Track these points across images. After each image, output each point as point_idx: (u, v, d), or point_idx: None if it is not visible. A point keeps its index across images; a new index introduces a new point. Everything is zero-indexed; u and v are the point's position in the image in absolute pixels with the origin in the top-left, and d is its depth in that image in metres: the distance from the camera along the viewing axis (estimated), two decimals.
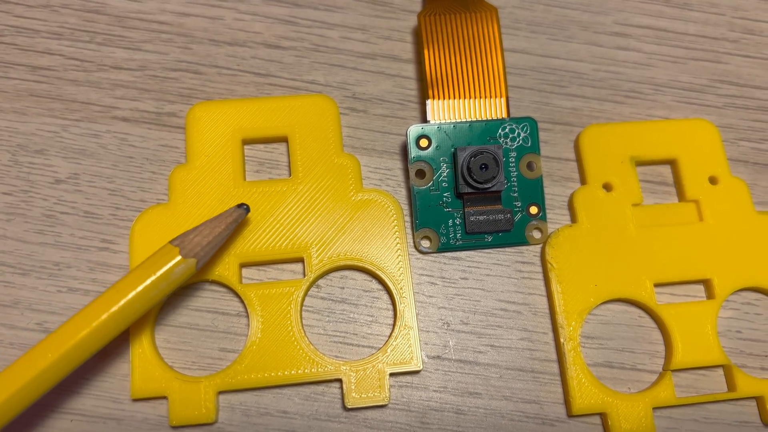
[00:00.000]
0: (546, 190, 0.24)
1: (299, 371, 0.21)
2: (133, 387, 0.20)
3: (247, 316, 0.21)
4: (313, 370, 0.21)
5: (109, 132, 0.23)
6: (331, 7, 0.25)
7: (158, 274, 0.19)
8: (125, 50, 0.24)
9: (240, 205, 0.21)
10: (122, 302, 0.19)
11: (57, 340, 0.18)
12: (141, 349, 0.21)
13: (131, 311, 0.19)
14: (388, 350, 0.21)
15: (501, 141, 0.23)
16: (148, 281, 0.19)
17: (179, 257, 0.19)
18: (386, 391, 0.21)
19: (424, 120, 0.23)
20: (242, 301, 0.22)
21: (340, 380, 0.21)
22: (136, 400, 0.21)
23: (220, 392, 0.21)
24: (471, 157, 0.22)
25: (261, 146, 0.24)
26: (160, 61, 0.24)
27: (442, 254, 0.23)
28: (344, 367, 0.21)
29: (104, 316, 0.19)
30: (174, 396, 0.20)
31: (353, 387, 0.21)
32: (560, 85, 0.25)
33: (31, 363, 0.18)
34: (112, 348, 0.21)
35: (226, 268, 0.22)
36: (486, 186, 0.22)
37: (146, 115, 0.24)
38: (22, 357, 0.18)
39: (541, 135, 0.24)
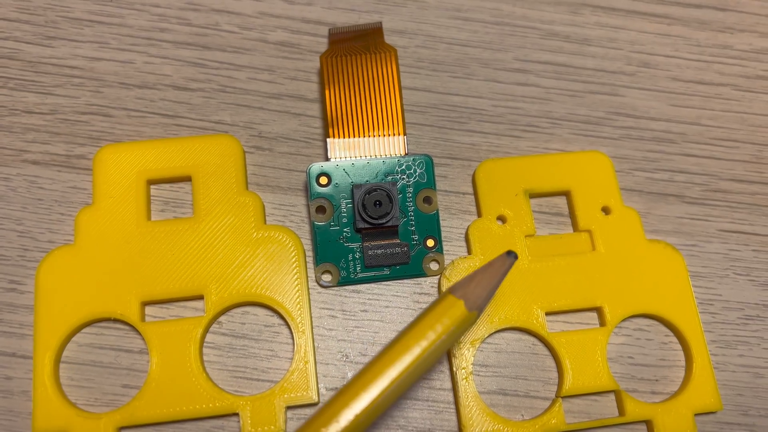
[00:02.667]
0: (444, 223, 0.25)
1: (197, 406, 0.21)
2: (35, 425, 0.21)
3: (149, 353, 0.22)
4: (210, 405, 0.21)
5: (19, 175, 0.24)
6: (239, 49, 0.26)
7: (448, 330, 0.19)
8: (37, 95, 0.25)
9: (509, 253, 0.20)
10: (414, 358, 0.18)
11: (353, 398, 0.18)
12: (43, 388, 0.21)
13: (422, 366, 0.18)
14: (285, 384, 0.22)
15: (398, 177, 0.24)
16: (442, 338, 0.19)
17: (465, 311, 0.19)
18: (282, 423, 0.21)
19: (326, 158, 0.24)
20: (144, 339, 0.22)
21: (238, 414, 0.22)
22: None
23: (121, 428, 0.21)
24: (366, 194, 0.23)
25: (167, 186, 0.24)
26: (71, 104, 0.25)
27: (343, 288, 0.24)
28: (241, 402, 0.21)
29: (395, 372, 0.18)
30: None
31: (249, 421, 0.21)
32: (460, 121, 0.26)
33: (332, 418, 0.17)
34: (16, 386, 0.22)
35: (127, 307, 0.22)
36: (381, 221, 0.23)
37: (56, 157, 0.24)
38: (317, 415, 0.18)
39: (440, 170, 0.25)
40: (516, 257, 0.20)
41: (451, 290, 0.19)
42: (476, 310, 0.19)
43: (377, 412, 0.18)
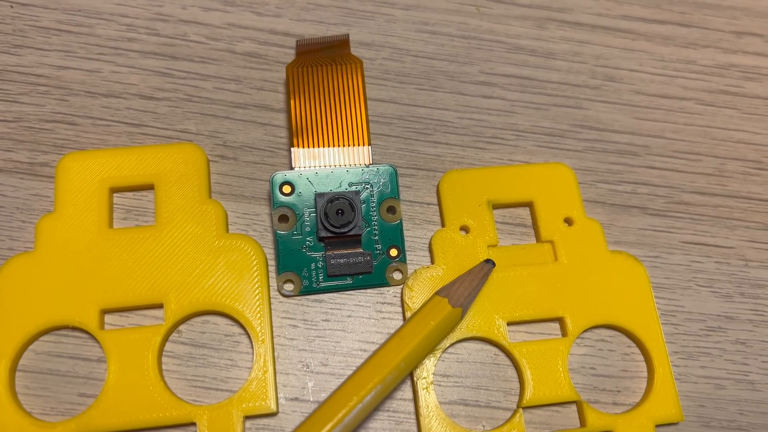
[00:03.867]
0: (408, 233, 0.25)
1: (154, 415, 0.21)
2: None
3: (107, 362, 0.22)
4: (167, 414, 0.21)
5: None
6: (206, 60, 0.26)
7: (434, 324, 0.21)
8: (1, 102, 0.25)
9: (487, 261, 0.23)
10: (406, 352, 0.21)
11: (353, 386, 0.20)
12: None
13: (413, 360, 0.21)
14: (244, 393, 0.22)
15: (362, 187, 0.24)
16: (428, 330, 0.21)
17: (450, 307, 0.21)
18: None
19: (291, 167, 0.24)
20: (102, 347, 0.22)
21: (195, 424, 0.21)
22: None
23: None
24: (328, 203, 0.23)
25: (130, 194, 0.24)
26: (36, 112, 0.25)
27: (305, 297, 0.24)
28: (199, 411, 0.21)
29: (392, 365, 0.20)
30: None
31: (206, 430, 0.21)
32: (425, 132, 0.26)
33: (325, 417, 0.20)
34: None
35: (86, 315, 0.22)
36: (343, 230, 0.23)
37: (19, 165, 0.24)
38: (309, 418, 0.20)
39: (405, 180, 0.25)
40: (494, 264, 0.23)
41: (437, 292, 0.22)
42: (460, 306, 0.22)
43: (372, 406, 0.20)
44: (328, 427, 0.19)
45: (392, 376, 0.20)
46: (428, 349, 0.21)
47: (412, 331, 0.21)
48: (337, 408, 0.19)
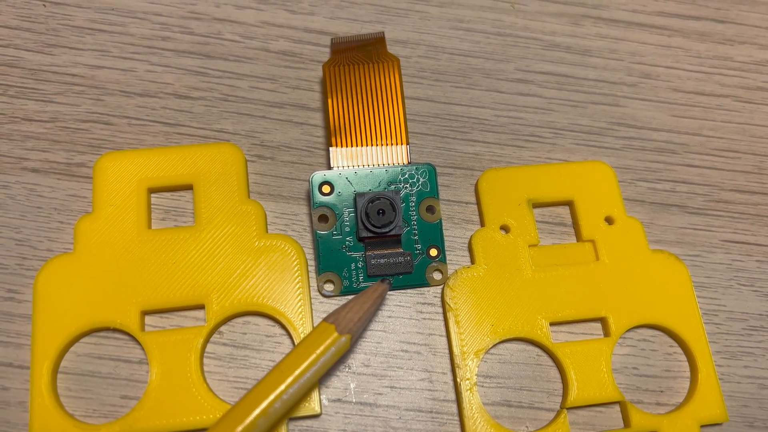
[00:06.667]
0: (447, 233, 0.24)
1: (197, 417, 0.21)
2: None
3: (149, 364, 0.22)
4: (211, 416, 0.21)
5: (18, 183, 0.24)
6: (241, 58, 0.26)
7: (317, 351, 0.20)
8: (37, 102, 0.25)
9: (383, 280, 0.22)
10: (289, 380, 0.19)
11: (233, 417, 0.19)
12: (41, 399, 0.21)
13: (298, 390, 0.20)
14: None
15: (401, 186, 0.24)
16: (310, 359, 0.20)
17: (335, 334, 0.20)
18: None
19: (329, 167, 0.24)
20: (143, 349, 0.22)
21: None
22: None
23: None
24: (369, 203, 0.23)
25: (168, 194, 0.24)
26: (71, 112, 0.25)
27: (346, 297, 0.23)
28: None
29: (272, 397, 0.19)
30: None
31: None
32: (462, 131, 0.26)
33: None
34: (13, 397, 0.21)
35: (127, 316, 0.22)
36: (384, 230, 0.23)
37: (56, 165, 0.24)
38: None
39: (443, 179, 0.25)
40: (390, 283, 0.22)
41: (325, 318, 0.21)
42: (348, 332, 0.20)
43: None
44: None
45: (265, 418, 0.19)
46: (313, 379, 0.20)
47: (294, 362, 0.20)
48: None
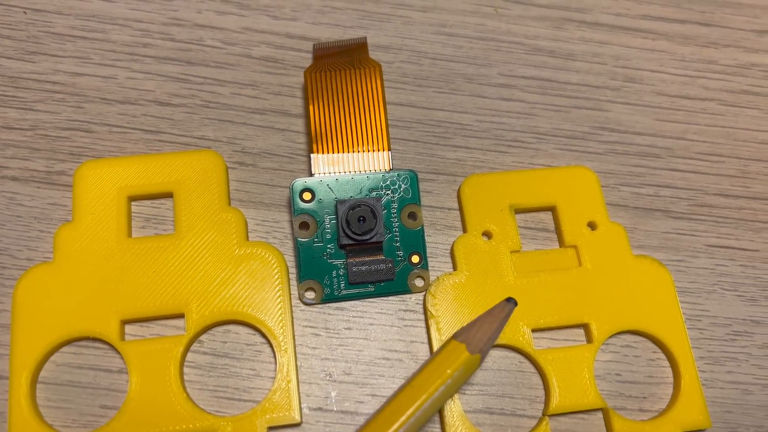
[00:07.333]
0: (429, 239, 0.24)
1: (177, 427, 0.21)
2: None
3: (128, 373, 0.22)
4: (190, 425, 0.21)
5: None
6: (222, 65, 0.26)
7: (448, 371, 0.20)
8: (17, 110, 0.25)
9: (509, 300, 0.21)
10: (422, 398, 0.20)
11: None
12: (20, 409, 0.21)
13: (430, 409, 0.20)
14: (267, 404, 0.21)
15: (383, 193, 0.23)
16: (443, 378, 0.20)
17: (467, 353, 0.20)
18: None
19: (311, 173, 0.24)
20: (123, 358, 0.22)
21: None
22: None
23: None
24: (349, 210, 0.23)
25: (148, 202, 0.24)
26: (51, 120, 0.25)
27: (327, 305, 0.23)
28: (222, 422, 0.21)
29: (406, 414, 0.19)
30: None
31: None
32: (445, 136, 0.26)
33: None
34: None
35: (107, 326, 0.22)
36: (365, 237, 0.23)
37: (36, 174, 0.24)
38: None
39: (425, 185, 0.25)
40: (515, 303, 0.21)
41: (454, 336, 0.21)
42: (478, 352, 0.20)
43: None
44: None
45: (406, 427, 0.19)
46: (444, 398, 0.20)
47: (427, 380, 0.20)
48: None
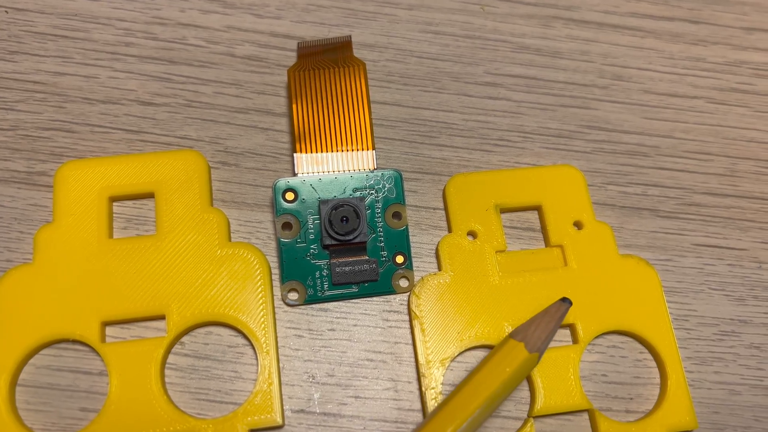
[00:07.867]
0: (414, 239, 0.24)
1: (158, 430, 0.21)
2: None
3: (109, 375, 0.21)
4: (171, 428, 0.21)
5: None
6: (205, 63, 0.26)
7: (508, 369, 0.20)
8: None
9: (564, 300, 0.22)
10: (484, 396, 0.20)
11: None
12: None
13: (489, 408, 0.20)
14: (248, 406, 0.21)
15: (367, 193, 0.23)
16: (503, 377, 0.20)
17: (526, 353, 0.20)
18: None
19: (294, 173, 0.23)
20: (103, 361, 0.22)
21: None
22: None
23: None
24: (332, 210, 0.22)
25: (130, 203, 0.24)
26: (33, 120, 0.25)
27: (310, 306, 0.23)
28: (203, 425, 0.21)
29: (468, 412, 0.19)
30: None
31: None
32: (430, 135, 0.26)
33: None
34: None
35: (87, 328, 0.22)
36: (348, 238, 0.22)
37: (16, 174, 0.24)
38: None
39: (410, 185, 0.25)
40: (570, 303, 0.22)
41: (512, 335, 0.21)
42: (536, 351, 0.20)
43: None
44: None
45: (466, 425, 0.19)
46: (502, 397, 0.20)
47: (487, 378, 0.20)
48: None
